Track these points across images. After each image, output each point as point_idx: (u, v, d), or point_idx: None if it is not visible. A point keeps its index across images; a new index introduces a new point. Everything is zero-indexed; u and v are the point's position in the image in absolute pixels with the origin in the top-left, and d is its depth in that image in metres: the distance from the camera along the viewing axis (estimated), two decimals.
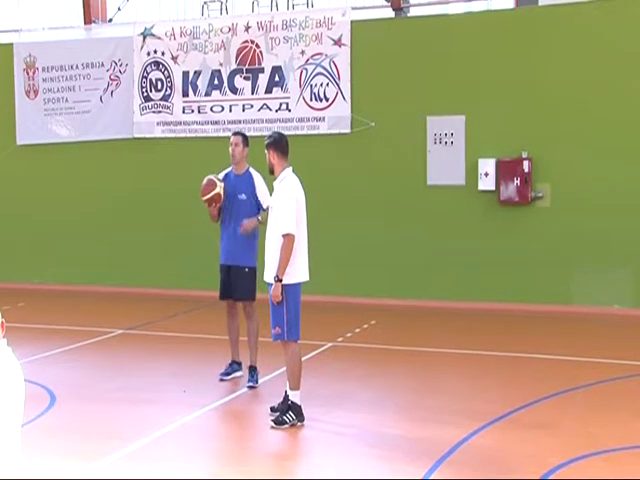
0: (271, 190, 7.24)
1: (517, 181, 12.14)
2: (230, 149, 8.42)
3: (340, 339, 10.36)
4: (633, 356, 9.27)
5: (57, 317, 12.16)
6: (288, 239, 6.85)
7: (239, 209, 8.26)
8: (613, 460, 6.03)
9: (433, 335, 10.78)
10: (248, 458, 6.38)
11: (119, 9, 15.26)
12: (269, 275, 6.97)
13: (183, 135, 14.04)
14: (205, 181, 8.34)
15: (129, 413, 7.41)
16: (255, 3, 14.10)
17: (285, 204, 6.94)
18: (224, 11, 14.25)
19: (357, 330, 10.92)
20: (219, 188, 8.21)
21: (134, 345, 10.36)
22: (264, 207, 8.25)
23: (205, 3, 14.28)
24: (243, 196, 8.27)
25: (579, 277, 12.01)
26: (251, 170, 8.40)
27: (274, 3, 13.97)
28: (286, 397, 7.00)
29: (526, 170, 12.10)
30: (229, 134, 8.79)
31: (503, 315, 11.91)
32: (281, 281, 6.85)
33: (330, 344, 10.07)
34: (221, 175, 8.56)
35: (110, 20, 15.35)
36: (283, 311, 6.91)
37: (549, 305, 11.99)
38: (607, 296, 11.85)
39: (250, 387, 8.14)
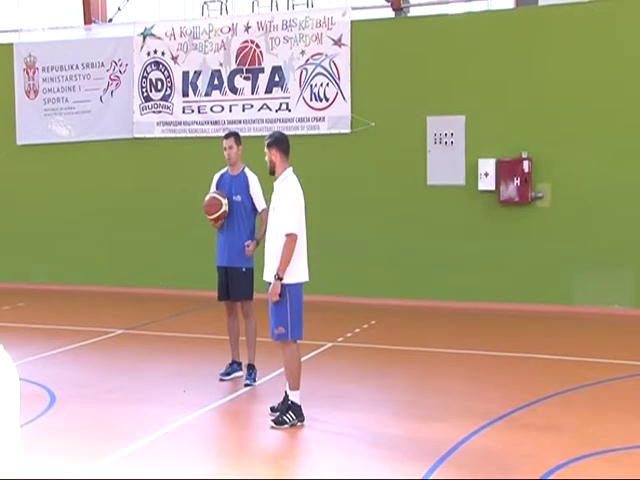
0: (271, 190, 7.23)
1: (517, 181, 12.14)
2: (225, 153, 8.38)
3: (340, 339, 10.35)
4: (633, 356, 9.27)
5: (57, 317, 12.16)
6: (291, 239, 6.85)
7: (234, 210, 8.24)
8: (613, 460, 6.03)
9: (433, 335, 10.77)
10: (248, 458, 6.37)
11: (119, 9, 15.25)
12: (269, 274, 6.97)
13: (183, 135, 14.03)
14: (209, 200, 8.28)
15: (129, 413, 7.41)
16: (255, 3, 14.09)
17: (288, 204, 6.95)
18: (224, 11, 14.24)
19: (357, 330, 10.92)
20: (225, 206, 8.19)
21: (134, 345, 10.35)
22: (259, 210, 8.26)
23: (205, 3, 14.28)
24: (238, 197, 8.25)
25: (579, 277, 12.01)
26: (246, 171, 8.37)
27: (274, 3, 13.97)
28: (286, 397, 6.99)
29: (526, 170, 12.10)
30: None
31: (503, 315, 11.90)
32: (281, 279, 6.86)
33: (330, 344, 10.06)
34: (217, 176, 8.53)
35: (110, 20, 15.34)
36: (287, 311, 6.90)
37: (549, 305, 11.99)
38: (607, 296, 11.84)
39: (247, 385, 8.15)
